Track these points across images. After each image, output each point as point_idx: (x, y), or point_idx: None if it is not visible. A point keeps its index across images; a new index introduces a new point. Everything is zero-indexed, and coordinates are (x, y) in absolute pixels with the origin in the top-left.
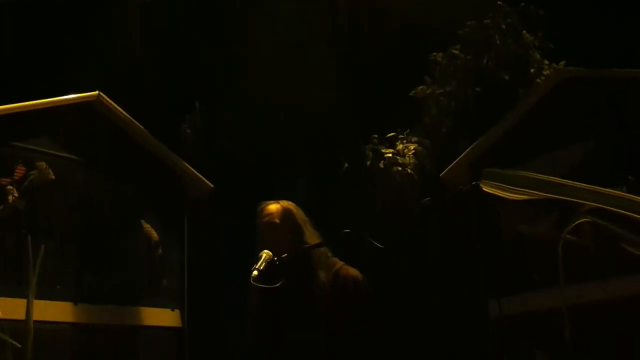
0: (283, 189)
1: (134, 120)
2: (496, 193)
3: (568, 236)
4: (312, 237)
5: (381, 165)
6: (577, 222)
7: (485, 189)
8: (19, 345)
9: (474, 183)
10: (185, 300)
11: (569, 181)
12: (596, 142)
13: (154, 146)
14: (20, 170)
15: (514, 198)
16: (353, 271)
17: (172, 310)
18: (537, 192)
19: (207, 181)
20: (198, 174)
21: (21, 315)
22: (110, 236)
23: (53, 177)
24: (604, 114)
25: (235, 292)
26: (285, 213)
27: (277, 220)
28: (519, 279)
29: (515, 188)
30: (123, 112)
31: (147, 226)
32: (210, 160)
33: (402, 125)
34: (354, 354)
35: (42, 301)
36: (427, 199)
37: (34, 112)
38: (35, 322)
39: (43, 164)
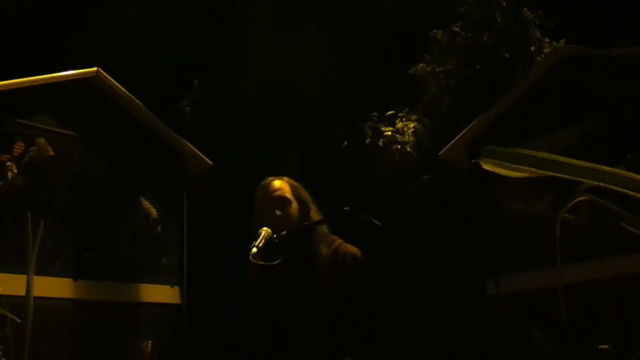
0: (281, 165)
1: (133, 97)
2: (496, 171)
3: (566, 215)
4: (315, 214)
5: (380, 143)
6: (575, 201)
7: (484, 166)
8: (19, 321)
9: (472, 161)
10: (185, 277)
11: (569, 159)
12: (595, 121)
13: (153, 123)
14: (19, 147)
15: (514, 176)
16: (352, 248)
17: (172, 287)
18: (536, 170)
19: (206, 158)
20: (197, 151)
21: (21, 291)
22: (109, 213)
23: (52, 153)
24: (603, 93)
25: (234, 271)
26: (294, 189)
27: (288, 195)
28: (516, 257)
29: (514, 166)
30: (122, 88)
31: (146, 203)
32: (208, 137)
33: (401, 104)
34: (353, 330)
35: (42, 277)
36: (426, 177)
37: (33, 88)
38: (35, 298)
39: (42, 140)
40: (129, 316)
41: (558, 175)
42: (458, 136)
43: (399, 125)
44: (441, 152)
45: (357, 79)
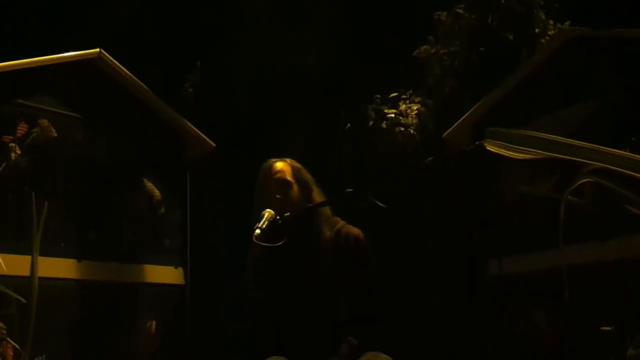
0: (284, 147)
1: (135, 78)
2: (500, 152)
3: (569, 197)
4: (318, 196)
5: (383, 125)
6: (579, 183)
7: (489, 148)
8: (24, 301)
9: (476, 143)
10: (188, 258)
11: (573, 140)
12: (600, 103)
13: (156, 104)
14: (22, 128)
15: (518, 157)
16: (354, 230)
17: (175, 267)
18: (541, 152)
19: (208, 140)
20: (200, 133)
21: (25, 272)
22: (113, 194)
23: (55, 134)
24: (608, 75)
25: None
26: (296, 171)
27: (289, 178)
28: (519, 239)
29: (519, 147)
30: (124, 69)
31: (149, 184)
32: (211, 118)
33: (405, 86)
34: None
35: (46, 258)
36: (430, 158)
37: (36, 69)
38: (39, 278)
39: (45, 122)
40: (132, 297)
41: (562, 157)
42: (462, 118)
43: (402, 107)
44: (445, 134)
45: (360, 61)
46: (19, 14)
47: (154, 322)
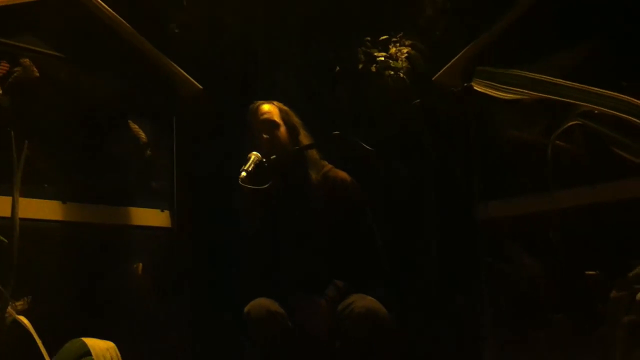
0: (272, 89)
1: (119, 17)
2: (487, 92)
3: (558, 142)
4: (305, 138)
5: (373, 69)
6: (567, 125)
7: (476, 88)
8: (6, 241)
9: (465, 84)
10: (175, 201)
11: (561, 80)
12: (592, 47)
13: (141, 44)
14: (4, 67)
15: (505, 98)
16: (342, 173)
17: (162, 210)
18: (529, 92)
19: (195, 82)
20: (186, 75)
21: (7, 213)
22: (98, 135)
23: (38, 74)
24: (600, 18)
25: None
26: (283, 113)
27: (276, 119)
28: (509, 182)
29: (507, 87)
30: (109, 8)
31: (134, 126)
32: (198, 59)
33: (395, 28)
34: (346, 251)
35: (31, 199)
36: (417, 100)
37: (17, 6)
38: (24, 219)
39: (27, 61)
40: (119, 239)
41: (551, 97)
42: (452, 60)
43: (393, 50)
44: (435, 76)
45: (350, 2)
46: None
47: (140, 265)
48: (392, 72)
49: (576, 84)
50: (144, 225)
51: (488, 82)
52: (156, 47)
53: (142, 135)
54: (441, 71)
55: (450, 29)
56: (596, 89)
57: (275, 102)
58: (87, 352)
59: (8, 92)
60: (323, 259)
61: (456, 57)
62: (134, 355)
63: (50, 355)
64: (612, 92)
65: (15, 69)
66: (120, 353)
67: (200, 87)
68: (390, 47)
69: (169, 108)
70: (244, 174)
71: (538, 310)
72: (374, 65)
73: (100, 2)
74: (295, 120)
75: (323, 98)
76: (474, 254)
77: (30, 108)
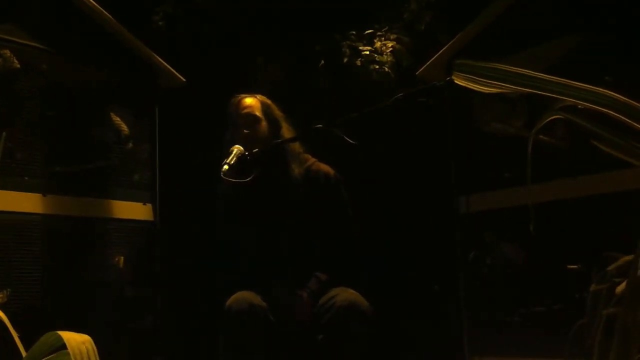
0: (257, 81)
1: (102, 9)
2: (467, 86)
3: (540, 136)
4: (287, 132)
5: (358, 62)
6: (548, 119)
7: (457, 81)
8: None
9: (447, 79)
10: (157, 194)
11: (543, 74)
12: (576, 41)
13: (124, 36)
14: None
15: (485, 91)
16: (325, 167)
17: (144, 204)
18: (509, 85)
19: (178, 75)
20: (169, 67)
21: None
22: (79, 127)
23: (18, 65)
24: (584, 12)
25: (206, 187)
26: (265, 107)
27: (257, 113)
28: (489, 176)
29: (487, 81)
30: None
31: (116, 118)
32: (181, 51)
33: (380, 22)
34: (328, 244)
35: (10, 192)
36: (400, 94)
37: None
38: (3, 212)
39: (7, 52)
40: (100, 232)
41: (531, 90)
42: (436, 54)
43: (377, 44)
44: (419, 71)
45: None
46: None
47: (122, 258)
48: (377, 66)
49: (557, 78)
50: (125, 218)
51: (468, 75)
52: (139, 39)
53: (124, 127)
54: (425, 66)
55: (435, 24)
56: (577, 83)
57: (257, 95)
58: (63, 346)
59: None
60: (304, 253)
61: (439, 52)
62: (111, 348)
63: (26, 349)
64: (593, 87)
65: None
66: (97, 346)
67: (183, 79)
68: (375, 41)
69: (151, 100)
70: (225, 167)
71: (518, 303)
72: (359, 59)
73: None
74: (278, 113)
75: (307, 91)
76: (454, 246)
77: (11, 99)
